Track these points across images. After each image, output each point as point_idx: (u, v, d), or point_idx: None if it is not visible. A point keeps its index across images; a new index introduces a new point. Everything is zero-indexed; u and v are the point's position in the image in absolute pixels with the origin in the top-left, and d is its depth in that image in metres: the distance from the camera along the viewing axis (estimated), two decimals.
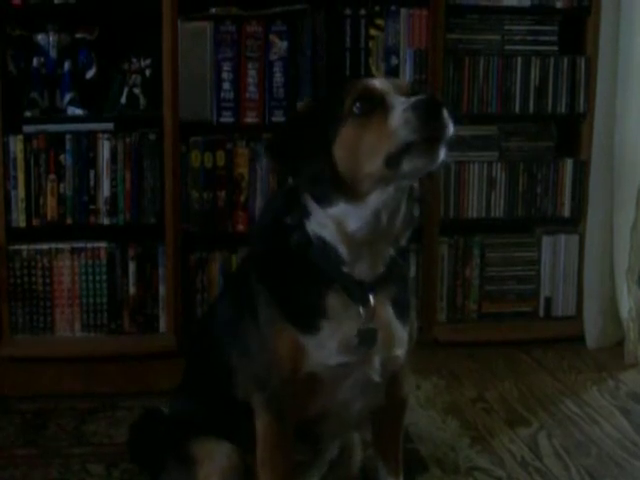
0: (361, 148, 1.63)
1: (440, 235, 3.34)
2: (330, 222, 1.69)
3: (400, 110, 1.58)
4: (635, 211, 3.19)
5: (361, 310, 1.73)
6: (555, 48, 3.38)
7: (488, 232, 3.43)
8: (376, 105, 1.63)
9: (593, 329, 3.35)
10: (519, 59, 3.34)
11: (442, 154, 1.60)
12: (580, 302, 3.43)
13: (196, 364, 2.08)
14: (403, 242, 1.76)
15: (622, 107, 3.23)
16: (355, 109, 1.64)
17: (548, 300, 3.47)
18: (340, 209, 1.68)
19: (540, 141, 3.42)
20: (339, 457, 2.11)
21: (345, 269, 1.72)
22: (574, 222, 3.46)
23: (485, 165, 3.37)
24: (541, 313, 3.48)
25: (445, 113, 1.58)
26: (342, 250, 1.70)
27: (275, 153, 1.82)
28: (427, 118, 1.56)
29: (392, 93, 1.65)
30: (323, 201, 1.69)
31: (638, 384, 3.01)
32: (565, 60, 3.36)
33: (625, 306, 3.27)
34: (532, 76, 3.35)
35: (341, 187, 1.66)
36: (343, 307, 1.73)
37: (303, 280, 1.74)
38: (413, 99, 1.59)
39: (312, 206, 1.71)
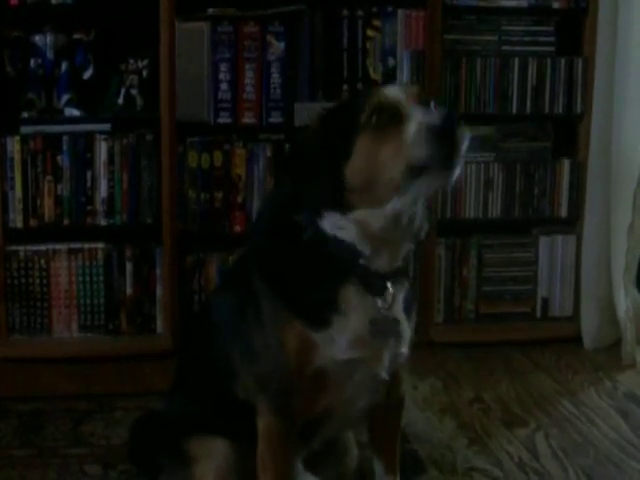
0: (379, 159, 1.64)
1: (437, 236, 3.34)
2: (351, 225, 1.71)
3: (415, 128, 1.61)
4: (632, 212, 3.19)
5: (379, 301, 1.74)
6: (552, 49, 3.38)
7: (485, 233, 3.43)
8: (392, 116, 1.64)
9: (590, 330, 3.36)
10: (516, 60, 3.34)
11: (457, 172, 1.63)
12: (577, 303, 3.43)
13: (193, 362, 2.08)
14: (422, 236, 1.78)
15: (619, 108, 3.23)
16: (372, 120, 1.65)
17: (545, 301, 3.47)
18: (360, 214, 1.70)
19: (537, 142, 3.42)
20: (335, 456, 2.12)
21: (363, 261, 1.73)
22: (571, 223, 3.46)
23: (482, 166, 3.37)
24: (538, 314, 3.48)
25: (460, 134, 1.61)
26: (362, 247, 1.72)
27: (294, 179, 1.79)
28: (442, 141, 1.59)
29: (406, 103, 1.66)
30: (340, 210, 1.70)
31: (635, 385, 3.02)
32: (562, 61, 3.36)
33: (622, 307, 3.27)
34: (529, 77, 3.35)
35: (359, 196, 1.68)
36: (357, 300, 1.74)
37: (314, 275, 1.75)
38: (428, 117, 1.61)
39: (328, 212, 1.72)
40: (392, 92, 1.70)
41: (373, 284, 1.74)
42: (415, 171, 1.61)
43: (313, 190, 1.71)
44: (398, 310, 1.79)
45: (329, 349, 1.73)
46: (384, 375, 1.81)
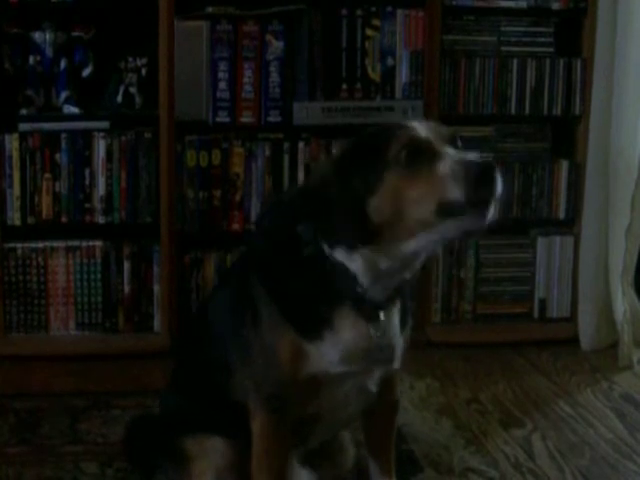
0: (408, 197, 1.60)
1: None
2: (360, 258, 1.70)
3: (452, 166, 1.58)
4: (630, 213, 3.19)
5: (371, 329, 1.75)
6: (551, 50, 3.38)
7: (483, 233, 3.42)
8: (424, 154, 1.61)
9: (587, 331, 3.36)
10: (515, 60, 3.34)
11: (490, 216, 1.62)
12: (575, 304, 3.43)
13: (190, 362, 2.08)
14: (419, 267, 1.78)
15: (618, 109, 3.23)
16: (401, 157, 1.61)
17: (543, 302, 3.47)
18: (373, 249, 1.68)
19: (536, 143, 3.42)
20: (331, 455, 2.12)
21: (359, 289, 1.73)
22: (569, 224, 3.46)
23: None
24: (536, 315, 3.48)
25: (497, 178, 1.59)
26: (363, 279, 1.71)
27: (312, 210, 1.74)
28: (479, 182, 1.57)
29: (438, 142, 1.63)
30: (353, 246, 1.69)
31: (632, 386, 3.02)
32: (561, 62, 3.36)
33: (619, 308, 3.27)
34: (528, 77, 3.35)
35: (380, 232, 1.65)
36: (350, 322, 1.75)
37: (311, 290, 1.75)
38: (466, 158, 1.58)
39: (350, 247, 1.70)
40: (420, 129, 1.65)
41: (366, 311, 1.75)
42: (448, 211, 1.58)
43: (336, 225, 1.68)
44: (394, 331, 1.80)
45: (320, 361, 1.74)
46: (373, 389, 1.83)
